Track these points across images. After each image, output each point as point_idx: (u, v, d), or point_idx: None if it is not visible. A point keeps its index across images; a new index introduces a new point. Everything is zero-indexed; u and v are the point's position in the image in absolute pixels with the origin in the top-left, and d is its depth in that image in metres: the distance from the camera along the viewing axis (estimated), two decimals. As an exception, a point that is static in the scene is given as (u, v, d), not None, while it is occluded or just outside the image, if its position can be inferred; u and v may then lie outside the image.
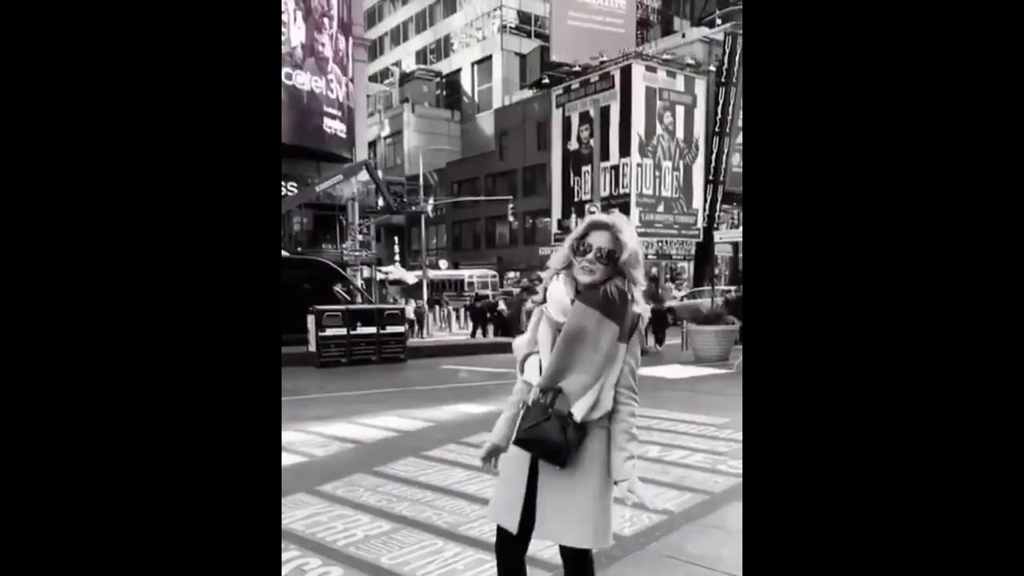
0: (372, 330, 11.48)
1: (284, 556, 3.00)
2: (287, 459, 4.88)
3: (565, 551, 1.87)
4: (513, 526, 1.84)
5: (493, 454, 1.95)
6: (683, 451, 4.88)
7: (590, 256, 1.78)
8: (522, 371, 1.92)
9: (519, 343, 1.95)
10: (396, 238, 35.17)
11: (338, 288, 14.58)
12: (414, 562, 2.94)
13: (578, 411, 1.76)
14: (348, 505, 3.74)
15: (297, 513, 3.60)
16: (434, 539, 3.21)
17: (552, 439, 1.74)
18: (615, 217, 1.85)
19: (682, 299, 14.37)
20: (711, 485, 4.02)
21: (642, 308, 1.83)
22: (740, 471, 4.28)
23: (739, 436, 5.30)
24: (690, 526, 3.32)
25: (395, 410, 6.84)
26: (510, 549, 1.93)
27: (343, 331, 11.16)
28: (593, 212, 17.12)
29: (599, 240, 1.79)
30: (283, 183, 20.81)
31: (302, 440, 5.50)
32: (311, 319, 11.08)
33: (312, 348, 11.07)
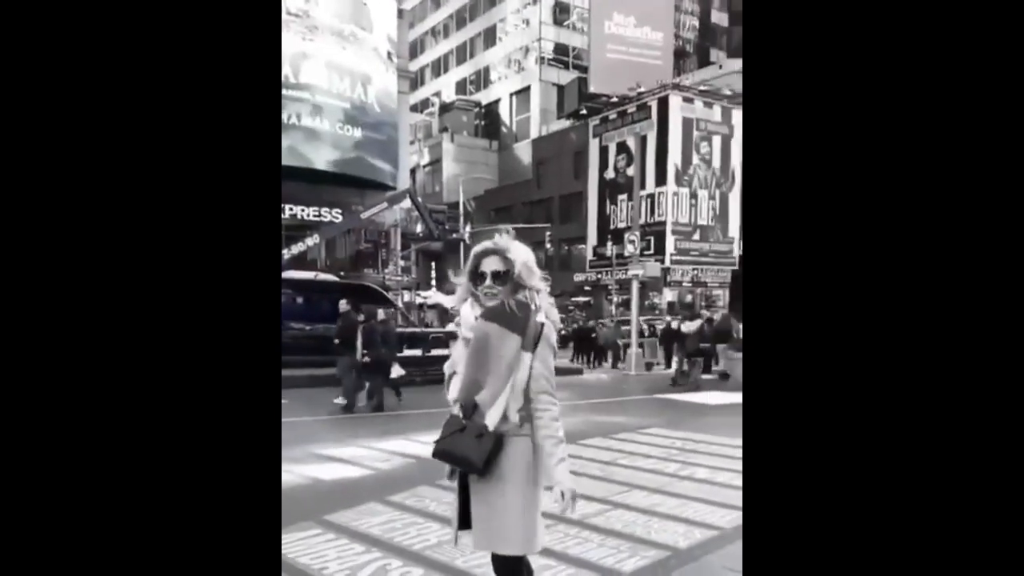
0: (418, 352, 11.90)
1: (367, 557, 3.32)
2: (355, 472, 5.22)
3: (496, 560, 1.96)
4: (455, 537, 2.04)
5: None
6: (730, 473, 5.08)
7: (488, 282, 1.91)
8: (448, 389, 2.04)
9: (447, 364, 2.07)
10: (433, 263, 35.87)
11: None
12: (486, 565, 3.21)
13: (490, 420, 1.85)
14: (418, 513, 4.04)
15: (373, 519, 3.92)
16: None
17: (461, 449, 1.85)
18: (498, 240, 1.96)
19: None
20: (759, 506, 4.21)
21: (546, 317, 1.91)
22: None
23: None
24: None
25: (446, 430, 7.15)
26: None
27: (390, 352, 11.57)
28: (632, 240, 16.92)
29: (490, 265, 1.91)
30: (328, 210, 21.62)
31: (365, 455, 5.85)
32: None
33: (360, 368, 11.49)
